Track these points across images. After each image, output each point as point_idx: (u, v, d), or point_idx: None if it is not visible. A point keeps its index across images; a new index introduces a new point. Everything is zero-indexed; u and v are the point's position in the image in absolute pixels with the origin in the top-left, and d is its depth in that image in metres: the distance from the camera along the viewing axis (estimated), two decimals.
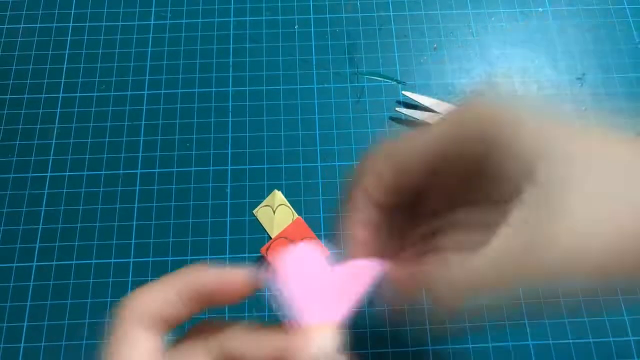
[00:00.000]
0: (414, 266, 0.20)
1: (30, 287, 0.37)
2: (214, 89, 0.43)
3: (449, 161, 0.19)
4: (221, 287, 0.19)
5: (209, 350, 0.18)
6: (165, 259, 0.37)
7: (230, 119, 0.42)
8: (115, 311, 0.18)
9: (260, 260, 0.37)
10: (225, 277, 0.19)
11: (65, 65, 0.44)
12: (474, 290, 0.18)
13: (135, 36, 0.45)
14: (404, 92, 0.42)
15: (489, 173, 0.18)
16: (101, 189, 0.39)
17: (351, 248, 0.22)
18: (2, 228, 0.38)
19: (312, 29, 0.45)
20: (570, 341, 0.35)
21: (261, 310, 0.36)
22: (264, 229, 0.38)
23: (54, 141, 0.41)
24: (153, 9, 0.46)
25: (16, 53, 0.44)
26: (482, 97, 0.20)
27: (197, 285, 0.19)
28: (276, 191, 0.39)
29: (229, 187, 0.40)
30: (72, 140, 0.41)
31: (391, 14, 0.46)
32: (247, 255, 0.37)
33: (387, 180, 0.21)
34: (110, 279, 0.37)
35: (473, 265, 0.18)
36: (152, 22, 0.45)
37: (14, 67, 0.44)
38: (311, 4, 0.46)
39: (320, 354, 0.18)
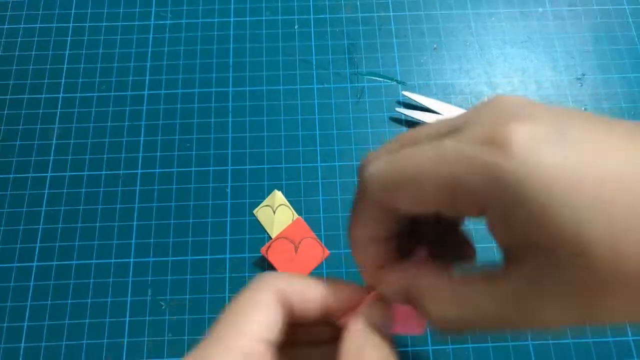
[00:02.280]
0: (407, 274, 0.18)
1: (31, 287, 0.37)
2: (214, 89, 0.43)
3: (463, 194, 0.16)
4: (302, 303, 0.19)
5: (274, 286, 0.19)
6: (166, 259, 0.37)
7: (230, 119, 0.42)
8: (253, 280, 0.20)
9: (262, 261, 0.37)
10: (306, 291, 0.19)
11: (65, 66, 0.44)
12: (469, 329, 0.17)
13: (135, 36, 0.45)
14: (404, 93, 0.42)
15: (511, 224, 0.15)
16: (101, 189, 0.39)
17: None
18: (2, 228, 0.38)
19: (312, 29, 0.45)
20: (570, 341, 0.35)
21: None
22: (264, 229, 0.38)
23: (54, 141, 0.41)
24: (153, 9, 0.46)
25: (16, 53, 0.44)
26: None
27: (283, 294, 0.19)
28: (276, 191, 0.39)
29: (229, 187, 0.40)
30: (72, 141, 0.41)
31: (391, 14, 0.46)
32: (247, 255, 0.38)
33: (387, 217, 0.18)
34: (111, 279, 0.37)
35: (470, 303, 0.16)
36: (152, 22, 0.45)
37: (14, 68, 0.44)
38: (311, 4, 0.46)
39: (363, 323, 0.18)
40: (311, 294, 0.19)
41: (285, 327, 0.19)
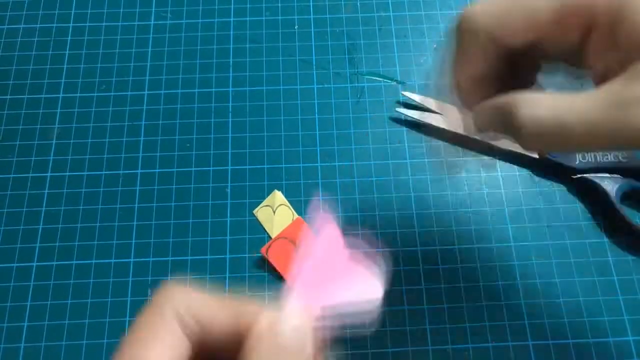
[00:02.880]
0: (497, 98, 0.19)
1: (31, 287, 0.37)
2: (214, 89, 0.43)
3: (566, 17, 0.18)
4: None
5: (176, 310, 0.16)
6: (166, 259, 0.37)
7: (230, 119, 0.42)
8: (154, 294, 0.17)
9: (261, 261, 0.37)
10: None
11: (65, 66, 0.44)
12: (560, 136, 0.17)
13: (135, 36, 0.45)
14: (403, 93, 0.42)
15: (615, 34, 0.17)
16: (101, 189, 0.39)
17: (460, 96, 0.21)
18: (2, 228, 0.38)
19: (312, 29, 0.45)
20: (570, 341, 0.35)
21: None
22: (264, 229, 0.38)
23: (54, 141, 0.41)
24: (153, 9, 0.46)
25: (16, 53, 0.44)
26: None
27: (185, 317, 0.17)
28: (276, 191, 0.39)
29: (229, 187, 0.40)
30: (72, 141, 0.41)
31: (391, 14, 0.46)
32: (247, 255, 0.38)
33: (488, 42, 0.19)
34: (111, 279, 0.37)
35: (567, 106, 0.16)
36: (152, 22, 0.45)
37: (14, 68, 0.44)
38: (311, 4, 0.46)
39: (282, 327, 0.16)
40: (218, 315, 0.17)
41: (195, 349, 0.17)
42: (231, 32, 0.45)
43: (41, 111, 0.42)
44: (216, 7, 0.46)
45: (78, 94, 0.43)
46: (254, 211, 0.39)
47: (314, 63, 0.44)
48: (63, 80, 0.43)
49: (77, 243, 0.38)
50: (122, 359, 0.15)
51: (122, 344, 0.16)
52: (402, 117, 0.42)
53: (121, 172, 0.40)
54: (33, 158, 0.40)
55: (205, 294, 0.17)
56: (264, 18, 0.46)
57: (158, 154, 0.41)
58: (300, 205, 0.39)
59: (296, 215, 0.38)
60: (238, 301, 0.17)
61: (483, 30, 0.19)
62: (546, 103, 0.17)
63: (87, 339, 0.35)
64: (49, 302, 0.36)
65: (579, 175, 0.39)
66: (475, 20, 0.20)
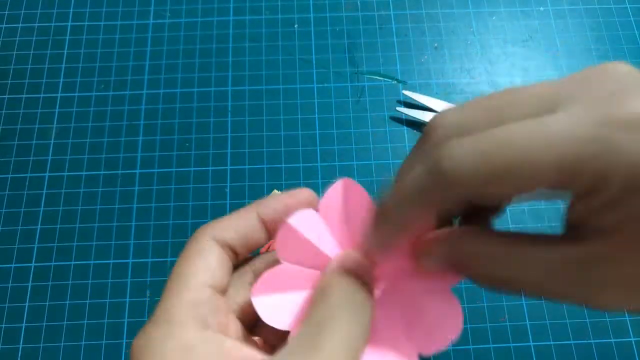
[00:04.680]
0: None
1: (29, 288, 0.36)
2: (213, 89, 0.43)
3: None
4: (286, 212, 0.20)
5: (209, 233, 0.19)
6: (164, 259, 0.37)
7: (229, 119, 0.42)
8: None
9: None
10: (289, 200, 0.21)
11: (63, 65, 0.44)
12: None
13: (134, 35, 0.45)
14: (404, 92, 0.42)
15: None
16: (100, 189, 0.39)
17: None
18: (0, 228, 0.38)
19: (312, 28, 0.45)
20: (572, 342, 0.35)
21: None
22: None
23: (52, 141, 0.41)
24: (152, 8, 0.46)
25: (14, 52, 0.44)
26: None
27: (268, 211, 0.21)
28: (276, 191, 0.39)
29: (228, 187, 0.39)
30: (70, 140, 0.41)
31: (392, 12, 0.46)
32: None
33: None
34: (109, 280, 0.37)
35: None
36: (151, 21, 0.45)
37: (12, 67, 0.44)
38: (311, 2, 0.46)
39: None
40: (246, 227, 0.20)
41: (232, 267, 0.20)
42: (230, 31, 0.45)
43: (39, 111, 0.42)
44: (215, 5, 0.46)
45: (76, 94, 0.43)
46: None
47: (313, 62, 0.44)
48: (61, 80, 0.43)
49: (75, 244, 0.38)
50: (170, 276, 0.18)
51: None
52: (403, 116, 0.42)
53: (120, 172, 0.40)
54: (31, 158, 0.40)
55: (231, 214, 0.21)
56: (263, 17, 0.46)
57: (157, 153, 0.40)
58: None
59: None
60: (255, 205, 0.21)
61: (457, 189, 0.15)
62: (503, 260, 0.16)
63: (85, 339, 0.35)
64: (47, 303, 0.36)
65: None
66: (454, 176, 0.15)
